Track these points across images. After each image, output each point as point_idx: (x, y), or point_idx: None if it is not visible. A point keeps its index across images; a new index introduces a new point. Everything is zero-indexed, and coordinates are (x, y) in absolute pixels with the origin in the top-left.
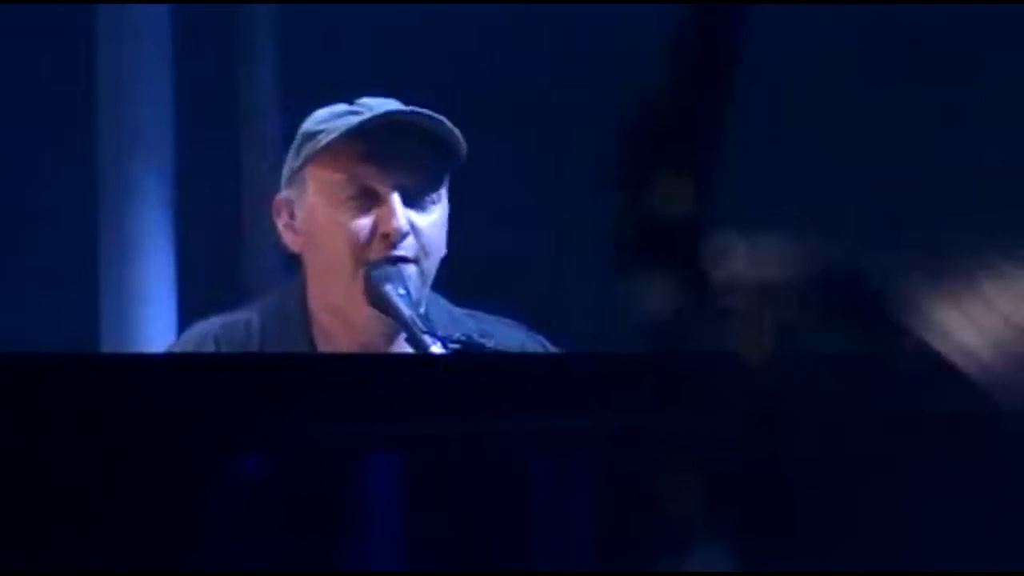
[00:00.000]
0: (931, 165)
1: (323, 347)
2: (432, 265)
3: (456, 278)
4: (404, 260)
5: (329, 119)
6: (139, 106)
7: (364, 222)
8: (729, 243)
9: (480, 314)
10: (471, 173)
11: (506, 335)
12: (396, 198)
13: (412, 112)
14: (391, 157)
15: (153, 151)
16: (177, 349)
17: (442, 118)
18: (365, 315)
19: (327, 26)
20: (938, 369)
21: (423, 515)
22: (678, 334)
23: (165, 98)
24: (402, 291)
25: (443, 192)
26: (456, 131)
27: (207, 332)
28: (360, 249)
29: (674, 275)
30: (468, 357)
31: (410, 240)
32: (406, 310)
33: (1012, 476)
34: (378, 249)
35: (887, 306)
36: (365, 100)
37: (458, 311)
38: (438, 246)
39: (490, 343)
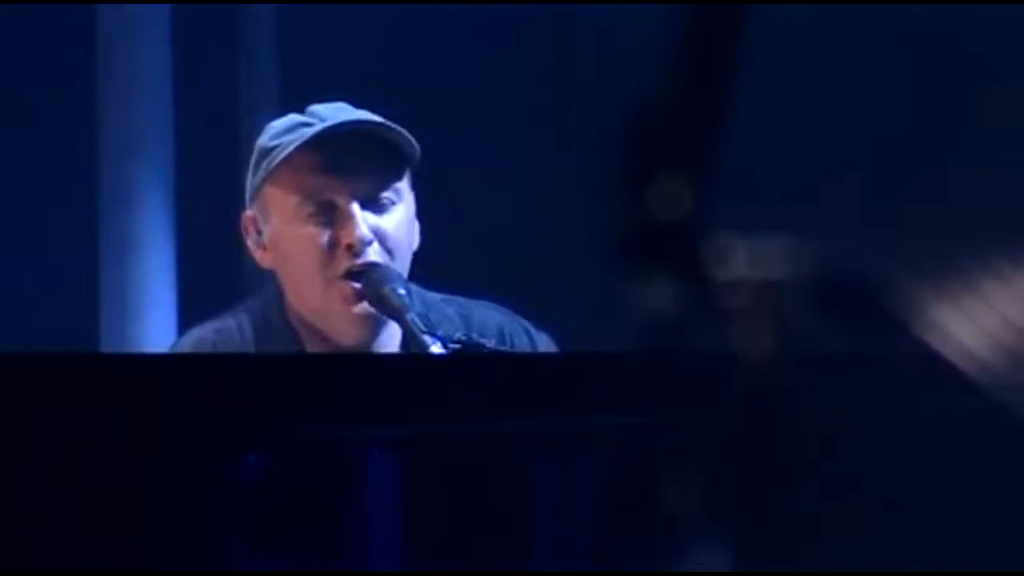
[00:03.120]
0: (931, 165)
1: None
2: (402, 262)
3: (456, 277)
4: (372, 266)
5: (282, 133)
6: (139, 106)
7: (327, 235)
8: (729, 243)
9: (457, 298)
10: (472, 173)
11: (486, 316)
12: (355, 208)
13: (359, 122)
14: (346, 167)
15: (153, 151)
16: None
17: (390, 124)
18: (345, 322)
19: (327, 25)
20: (938, 369)
21: (423, 515)
22: (678, 334)
23: (165, 98)
24: (401, 291)
25: (403, 189)
26: (406, 134)
27: (203, 338)
28: (327, 261)
29: (674, 275)
30: (468, 357)
31: (375, 246)
32: (406, 310)
33: (1012, 476)
34: (344, 260)
35: (887, 306)
36: (316, 108)
37: (433, 296)
38: (406, 244)
39: (490, 343)
